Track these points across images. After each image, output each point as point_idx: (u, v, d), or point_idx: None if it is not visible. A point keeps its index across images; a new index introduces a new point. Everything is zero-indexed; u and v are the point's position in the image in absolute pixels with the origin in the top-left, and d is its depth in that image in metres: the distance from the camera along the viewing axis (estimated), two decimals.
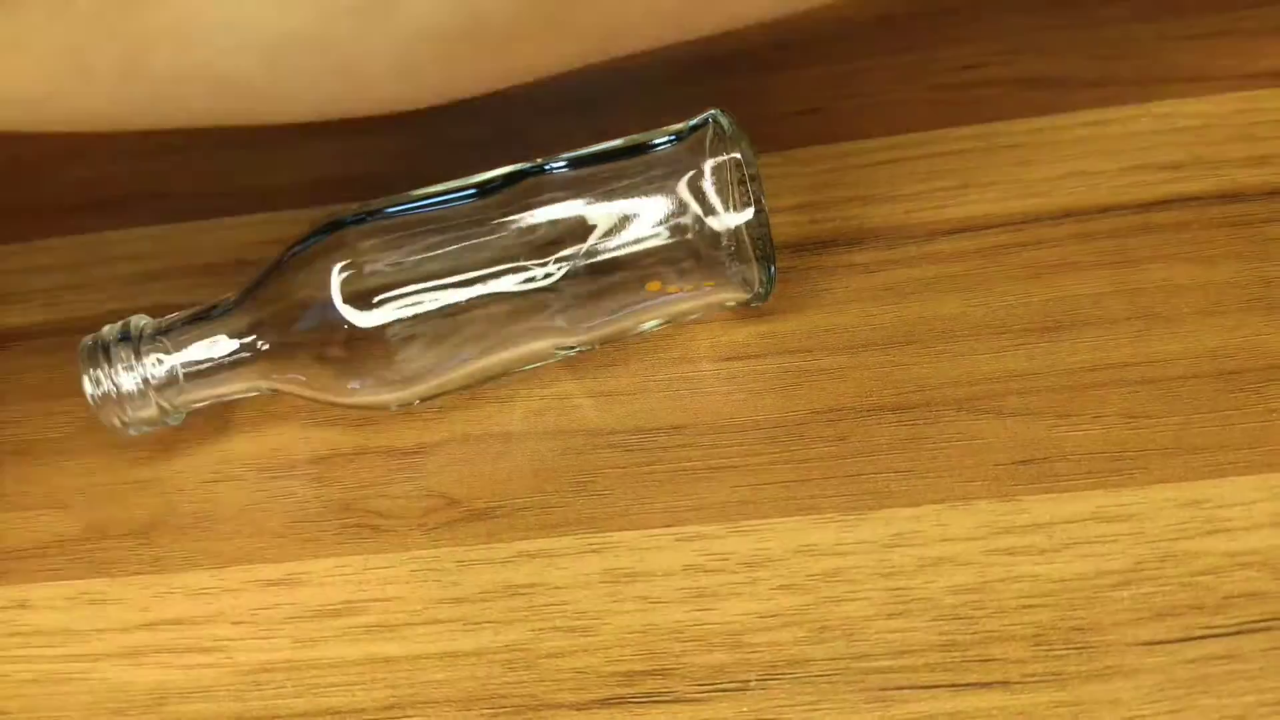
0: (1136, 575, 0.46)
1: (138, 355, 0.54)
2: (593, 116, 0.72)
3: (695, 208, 0.53)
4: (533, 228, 0.53)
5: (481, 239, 0.53)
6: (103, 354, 0.54)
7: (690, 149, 0.54)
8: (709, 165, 0.53)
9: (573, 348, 0.55)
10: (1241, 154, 0.60)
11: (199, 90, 0.52)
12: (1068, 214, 0.59)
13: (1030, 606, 0.45)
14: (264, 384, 0.55)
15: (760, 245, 0.53)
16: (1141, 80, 0.66)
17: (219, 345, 0.54)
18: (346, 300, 0.52)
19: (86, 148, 0.75)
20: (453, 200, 0.54)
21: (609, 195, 0.53)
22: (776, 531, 0.49)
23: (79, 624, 0.51)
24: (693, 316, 0.56)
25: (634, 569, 0.49)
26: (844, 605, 0.46)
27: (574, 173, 0.54)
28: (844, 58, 0.73)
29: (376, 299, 0.52)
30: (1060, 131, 0.64)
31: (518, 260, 0.53)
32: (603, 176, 0.54)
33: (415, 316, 0.52)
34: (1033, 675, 0.44)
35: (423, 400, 0.55)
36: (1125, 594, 0.45)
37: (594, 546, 0.50)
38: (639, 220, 0.53)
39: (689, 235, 0.53)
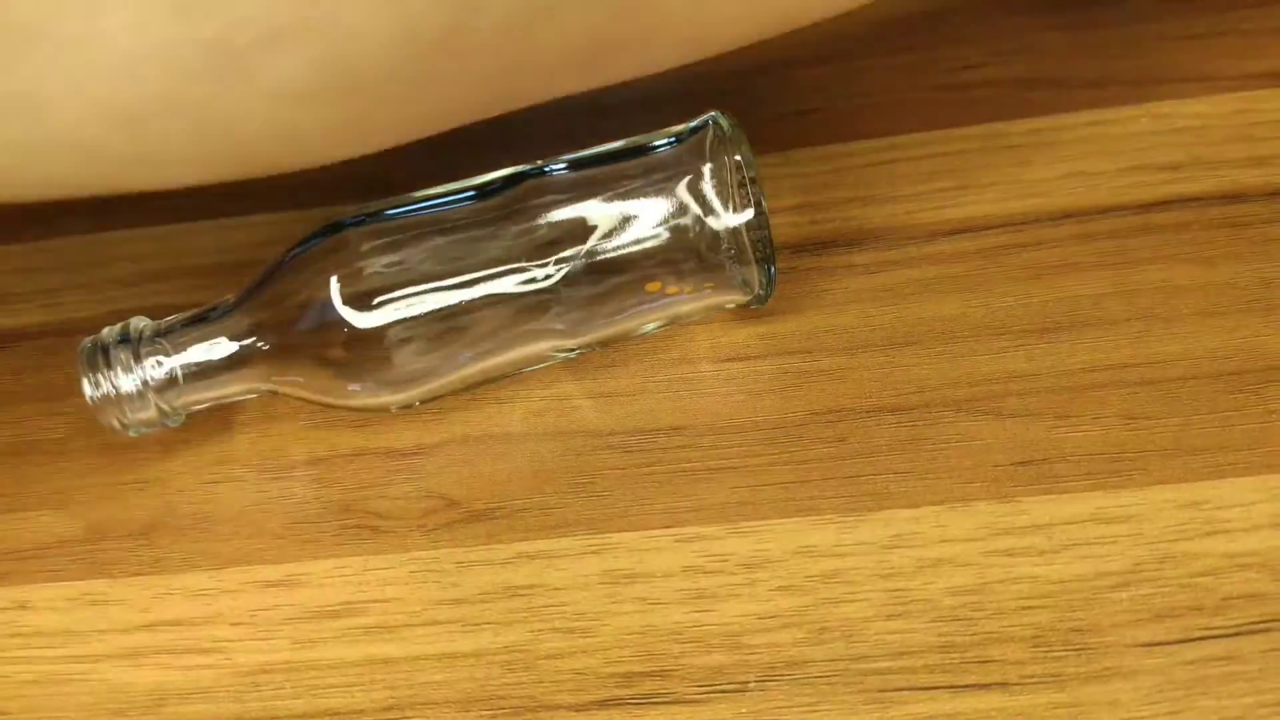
0: (1135, 576, 0.46)
1: (137, 357, 0.54)
2: (592, 117, 0.72)
3: (695, 209, 0.53)
4: (532, 229, 0.53)
5: (481, 241, 0.53)
6: (102, 356, 0.54)
7: (690, 151, 0.54)
8: (709, 167, 0.53)
9: (572, 350, 0.55)
10: (1241, 154, 0.60)
11: (61, 161, 0.51)
12: (1067, 215, 0.59)
13: (1029, 608, 0.45)
14: (264, 386, 0.55)
15: (760, 247, 0.53)
16: (1141, 81, 0.66)
17: (218, 347, 0.54)
18: (346, 301, 0.52)
19: None
20: (452, 202, 0.54)
21: (609, 197, 0.53)
22: (776, 533, 0.49)
23: (79, 625, 0.51)
24: (693, 318, 0.56)
25: (633, 570, 0.49)
26: (843, 606, 0.46)
27: (574, 174, 0.54)
28: (844, 58, 0.73)
29: (376, 300, 0.52)
30: (1060, 132, 0.64)
31: (517, 262, 0.53)
32: (603, 178, 0.54)
33: (415, 318, 0.52)
34: (1031, 676, 0.44)
35: (423, 402, 0.55)
36: (1124, 595, 0.45)
37: (593, 548, 0.50)
38: (639, 222, 0.53)
39: (689, 237, 0.53)
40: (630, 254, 0.53)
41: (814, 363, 0.55)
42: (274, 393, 0.55)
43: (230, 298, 0.55)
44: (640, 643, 0.47)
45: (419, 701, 0.47)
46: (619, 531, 0.50)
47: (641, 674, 0.46)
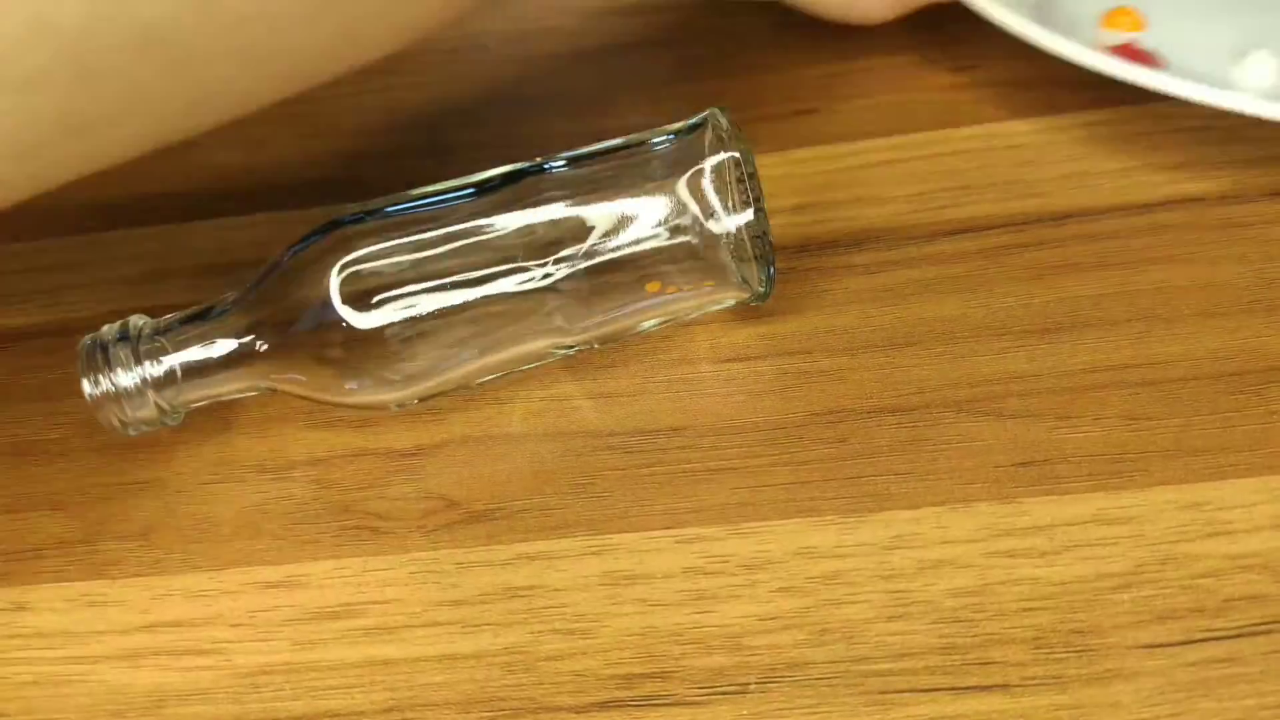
0: (1137, 578, 0.45)
1: (136, 355, 0.53)
2: (592, 115, 0.72)
3: (694, 207, 0.53)
4: (531, 227, 0.53)
5: (480, 239, 0.53)
6: (101, 354, 0.54)
7: (689, 148, 0.54)
8: (708, 165, 0.53)
9: (572, 347, 0.55)
10: (1240, 155, 0.61)
11: None
12: (1068, 215, 0.59)
13: (1030, 609, 0.45)
14: (263, 384, 0.54)
15: (759, 245, 0.53)
16: None
17: (218, 345, 0.54)
18: (345, 300, 0.52)
19: None
20: (451, 200, 0.54)
21: (608, 195, 0.53)
22: (776, 534, 0.49)
23: (78, 626, 0.51)
24: (692, 316, 0.56)
25: (633, 571, 0.49)
26: (844, 608, 0.46)
27: (573, 172, 0.54)
28: (843, 58, 0.73)
29: (375, 299, 0.52)
30: (1060, 132, 0.64)
31: (516, 260, 0.53)
32: (601, 176, 0.54)
33: (414, 316, 0.52)
34: (1033, 678, 0.44)
35: (422, 400, 0.55)
36: (1126, 597, 0.45)
37: (593, 549, 0.50)
38: (638, 220, 0.53)
39: (688, 235, 0.53)
40: (629, 251, 0.53)
41: (814, 363, 0.55)
42: (273, 391, 0.55)
43: (230, 296, 0.55)
44: (641, 644, 0.47)
45: (419, 703, 0.47)
46: (619, 532, 0.50)
47: (642, 675, 0.46)
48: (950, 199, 0.61)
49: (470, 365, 0.54)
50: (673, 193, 0.53)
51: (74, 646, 0.50)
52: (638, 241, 0.53)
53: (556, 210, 0.53)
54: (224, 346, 0.54)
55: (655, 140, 0.55)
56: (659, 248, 0.53)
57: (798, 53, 0.74)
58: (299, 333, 0.53)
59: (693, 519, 0.50)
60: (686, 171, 0.53)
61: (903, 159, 0.64)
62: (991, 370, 0.53)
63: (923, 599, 0.46)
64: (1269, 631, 0.44)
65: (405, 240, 0.53)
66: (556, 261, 0.53)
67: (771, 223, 0.53)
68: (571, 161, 0.55)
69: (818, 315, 0.56)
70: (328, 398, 0.54)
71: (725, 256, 0.53)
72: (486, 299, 0.53)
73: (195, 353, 0.54)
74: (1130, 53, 0.67)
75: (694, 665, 0.46)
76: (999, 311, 0.55)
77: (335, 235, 0.53)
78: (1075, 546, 0.47)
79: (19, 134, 0.50)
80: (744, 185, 0.53)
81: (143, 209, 0.70)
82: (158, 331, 0.54)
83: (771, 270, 0.53)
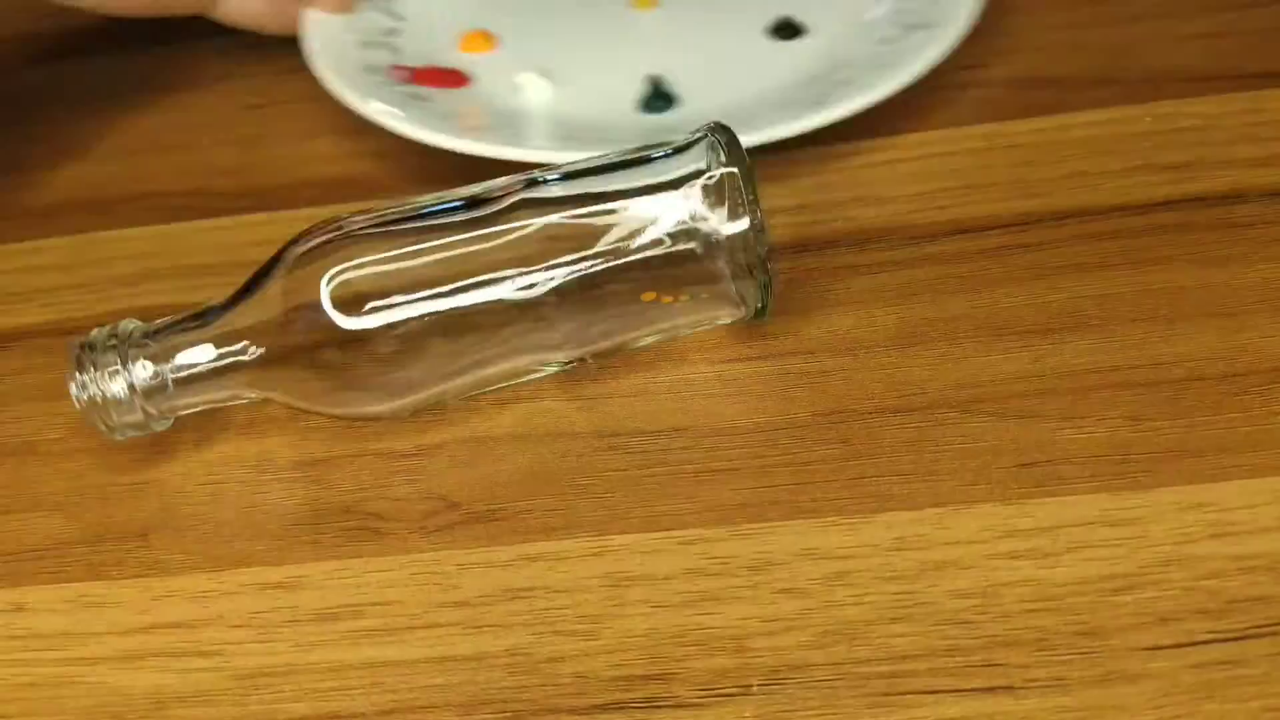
0: (1141, 579, 0.45)
1: (124, 360, 0.53)
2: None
3: (691, 222, 0.52)
4: (527, 239, 0.53)
5: (475, 249, 0.53)
6: (89, 358, 0.53)
7: (688, 163, 0.53)
8: (706, 180, 0.53)
9: (567, 361, 0.54)
10: (1244, 155, 0.60)
11: None
12: (1070, 215, 0.59)
13: (1034, 611, 0.45)
14: (252, 392, 0.54)
15: (758, 262, 0.52)
16: (1143, 80, 0.66)
17: (208, 352, 0.53)
18: (337, 308, 0.52)
19: (86, 148, 0.75)
20: (446, 210, 0.54)
21: (605, 208, 0.53)
22: (779, 535, 0.49)
23: (77, 627, 0.51)
24: (688, 332, 0.55)
25: (635, 573, 0.49)
26: (847, 609, 0.46)
27: (569, 183, 0.54)
28: None
29: (367, 308, 0.52)
30: (1062, 131, 0.64)
31: (511, 271, 0.52)
32: (599, 188, 0.54)
33: (406, 326, 0.52)
34: (1036, 680, 0.43)
35: (413, 412, 0.54)
36: (1129, 598, 0.45)
37: (595, 550, 0.49)
38: (634, 233, 0.53)
39: (685, 249, 0.52)
40: (625, 265, 0.52)
41: (816, 364, 0.54)
42: (264, 399, 0.54)
43: (221, 301, 0.54)
44: (643, 646, 0.47)
45: (420, 705, 0.46)
46: (621, 534, 0.50)
47: (644, 677, 0.46)
48: (952, 199, 0.61)
49: (463, 377, 0.54)
50: (670, 206, 0.53)
51: (73, 648, 0.50)
52: (633, 254, 0.52)
53: (552, 221, 0.53)
54: (213, 353, 0.53)
55: (654, 153, 0.54)
56: (655, 262, 0.52)
57: None
58: (290, 340, 0.53)
59: (695, 520, 0.50)
60: (684, 186, 0.53)
61: (904, 159, 0.64)
62: (994, 371, 0.53)
63: (926, 600, 0.46)
64: (1273, 633, 0.43)
65: (399, 250, 0.53)
66: (551, 275, 0.52)
67: (773, 222, 0.53)
68: (568, 175, 0.54)
69: (819, 316, 0.56)
70: (318, 408, 0.54)
71: (722, 273, 0.53)
72: (480, 309, 0.52)
73: (185, 359, 0.53)
74: (437, 76, 0.72)
75: (696, 667, 0.46)
76: (1001, 312, 0.55)
77: (328, 242, 0.53)
78: (1079, 548, 0.46)
79: None
80: (743, 201, 0.52)
81: (141, 209, 0.70)
82: (147, 336, 0.54)
83: (769, 288, 0.53)
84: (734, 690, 0.45)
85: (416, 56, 0.74)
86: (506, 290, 0.52)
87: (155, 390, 0.53)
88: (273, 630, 0.49)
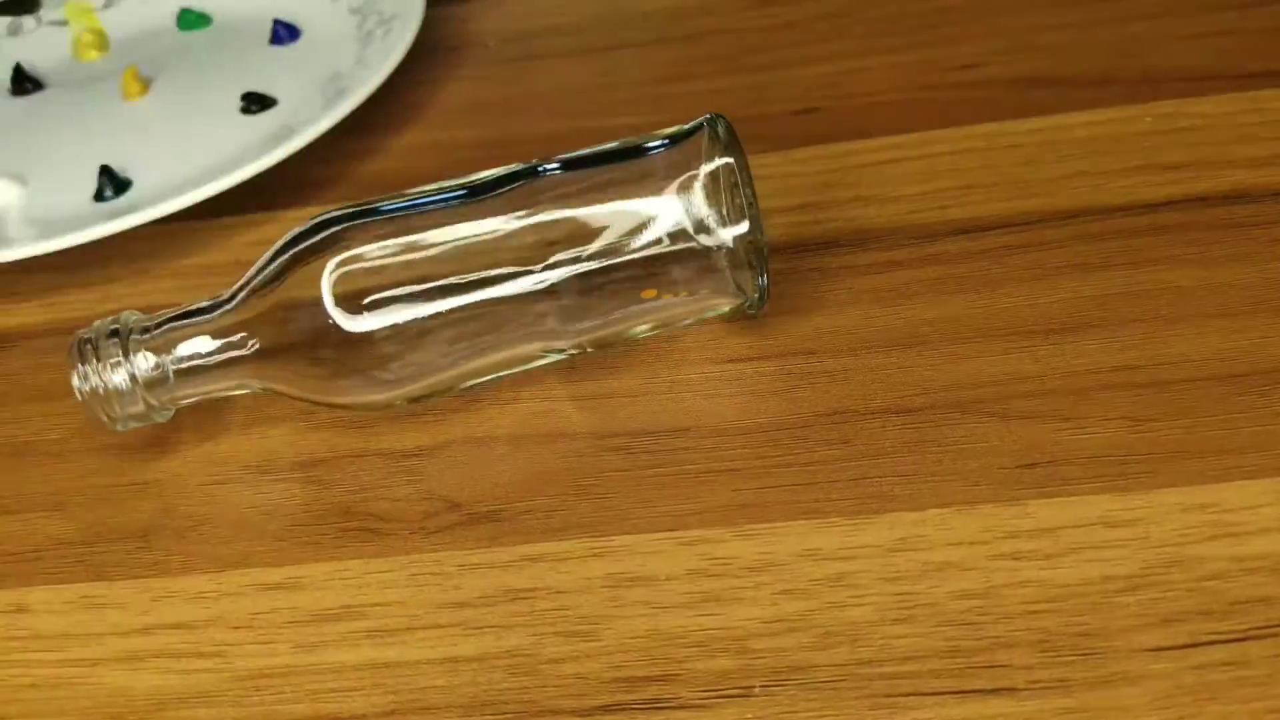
0: (1143, 580, 0.45)
1: (126, 352, 0.53)
2: (592, 115, 0.72)
3: (688, 214, 0.52)
4: (526, 230, 0.53)
5: (474, 241, 0.53)
6: (91, 350, 0.53)
7: (685, 154, 0.53)
8: (703, 171, 0.52)
9: (564, 351, 0.54)
10: (1245, 154, 0.60)
11: None
12: (1071, 215, 0.59)
13: (1036, 612, 0.45)
14: (253, 383, 0.54)
15: (754, 253, 0.52)
16: (1143, 80, 0.66)
17: (209, 343, 0.53)
18: (337, 300, 0.52)
19: None
20: (445, 201, 0.54)
21: (603, 199, 0.53)
22: (780, 535, 0.48)
23: (77, 628, 0.51)
24: (686, 323, 0.55)
25: (636, 573, 0.48)
26: (848, 610, 0.46)
27: (568, 175, 0.54)
28: (844, 57, 0.73)
29: (367, 300, 0.52)
30: (1062, 131, 0.64)
31: (510, 262, 0.52)
32: (597, 180, 0.54)
33: (405, 318, 0.52)
34: (1038, 682, 0.43)
35: (412, 401, 0.54)
36: (1131, 599, 0.45)
37: (596, 550, 0.49)
38: (632, 224, 0.52)
39: (682, 241, 0.52)
40: (623, 256, 0.52)
41: (817, 364, 0.54)
42: (264, 389, 0.54)
43: (222, 294, 0.54)
44: (644, 647, 0.46)
45: (420, 706, 0.46)
46: (622, 534, 0.50)
47: (645, 678, 0.46)
48: (953, 198, 0.61)
49: (461, 367, 0.54)
50: (668, 198, 0.52)
51: (73, 649, 0.50)
52: (632, 246, 0.52)
53: (551, 213, 0.53)
54: (214, 345, 0.53)
55: (651, 145, 0.54)
56: (653, 253, 0.52)
57: (799, 52, 0.73)
58: (290, 332, 0.53)
59: (696, 521, 0.50)
60: (681, 177, 0.53)
61: (905, 158, 0.64)
62: (996, 371, 0.53)
63: (928, 601, 0.46)
64: (1276, 634, 0.43)
65: (398, 241, 0.53)
66: (550, 265, 0.52)
67: (773, 222, 0.53)
68: (567, 165, 0.54)
69: (821, 315, 0.56)
70: (317, 397, 0.54)
71: (720, 263, 0.53)
72: (479, 301, 0.52)
73: (186, 350, 0.53)
74: None
75: (698, 668, 0.45)
76: (1003, 312, 0.55)
77: (327, 235, 0.53)
78: (1081, 549, 0.46)
79: None
80: (739, 191, 0.52)
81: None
82: (149, 328, 0.54)
83: (765, 279, 0.53)
84: (736, 691, 0.45)
85: None
86: (506, 283, 0.52)
87: (157, 381, 0.53)
88: (273, 631, 0.49)
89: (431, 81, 0.76)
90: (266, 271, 0.53)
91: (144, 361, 0.53)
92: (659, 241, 0.52)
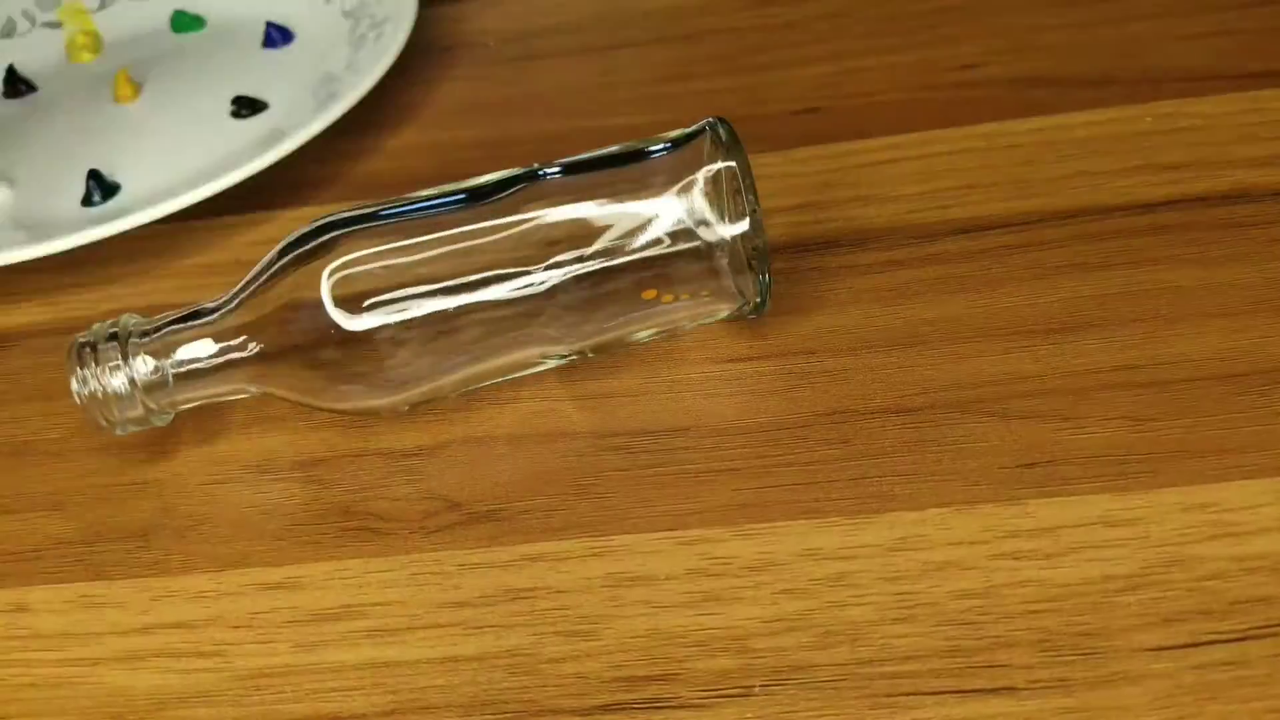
0: (1143, 580, 0.45)
1: (125, 355, 0.53)
2: (592, 115, 0.72)
3: (690, 217, 0.52)
4: (527, 233, 0.53)
5: (474, 244, 0.53)
6: (90, 353, 0.53)
7: (686, 157, 0.53)
8: (705, 174, 0.52)
9: (564, 356, 0.54)
10: (1245, 154, 0.60)
11: None
12: (1071, 215, 0.59)
13: (1036, 612, 0.45)
14: (253, 387, 0.54)
15: (755, 256, 0.52)
16: (1143, 80, 0.66)
17: (208, 347, 0.53)
18: (337, 304, 0.52)
19: None
20: (446, 204, 0.54)
21: (604, 202, 0.53)
22: (780, 535, 0.48)
23: (77, 627, 0.51)
24: (687, 327, 0.55)
25: (636, 573, 0.48)
26: (849, 610, 0.46)
27: (569, 178, 0.54)
28: (844, 57, 0.73)
29: (367, 303, 0.52)
30: (1062, 131, 0.64)
31: (511, 266, 0.52)
32: (598, 183, 0.54)
33: (406, 321, 0.52)
34: (1039, 681, 0.43)
35: (412, 406, 0.54)
36: (1132, 599, 0.45)
37: (596, 550, 0.49)
38: (633, 228, 0.52)
39: (684, 244, 0.52)
40: (624, 260, 0.52)
41: (818, 363, 0.54)
42: (264, 394, 0.54)
43: (222, 298, 0.54)
44: (644, 646, 0.46)
45: (420, 705, 0.46)
46: (622, 534, 0.50)
47: (645, 678, 0.46)
48: (953, 198, 0.61)
49: (462, 371, 0.54)
50: (669, 201, 0.52)
51: (73, 648, 0.50)
52: (633, 249, 0.52)
53: (552, 216, 0.53)
54: (214, 348, 0.53)
55: (652, 148, 0.54)
56: (654, 256, 0.52)
57: (799, 52, 0.73)
58: (290, 336, 0.53)
59: (696, 520, 0.50)
60: (683, 180, 0.53)
61: (905, 158, 0.64)
62: (996, 371, 0.53)
63: (928, 601, 0.46)
64: (1276, 634, 0.43)
65: (399, 244, 0.53)
66: (551, 268, 0.52)
67: (773, 222, 0.53)
68: (568, 168, 0.54)
69: (821, 315, 0.56)
70: (317, 402, 0.54)
71: (721, 267, 0.53)
72: (479, 305, 0.52)
73: (185, 354, 0.53)
74: None
75: (698, 668, 0.45)
76: (1003, 312, 0.55)
77: (328, 238, 0.53)
78: (1081, 548, 0.46)
79: None
80: (740, 195, 0.52)
81: None
82: (148, 331, 0.54)
83: (767, 281, 0.53)
84: (736, 691, 0.45)
85: None
86: (507, 286, 0.52)
87: (156, 385, 0.53)
88: (273, 631, 0.49)
89: (427, 82, 0.76)
90: (267, 275, 0.53)
91: (143, 365, 0.53)
92: (660, 245, 0.52)
